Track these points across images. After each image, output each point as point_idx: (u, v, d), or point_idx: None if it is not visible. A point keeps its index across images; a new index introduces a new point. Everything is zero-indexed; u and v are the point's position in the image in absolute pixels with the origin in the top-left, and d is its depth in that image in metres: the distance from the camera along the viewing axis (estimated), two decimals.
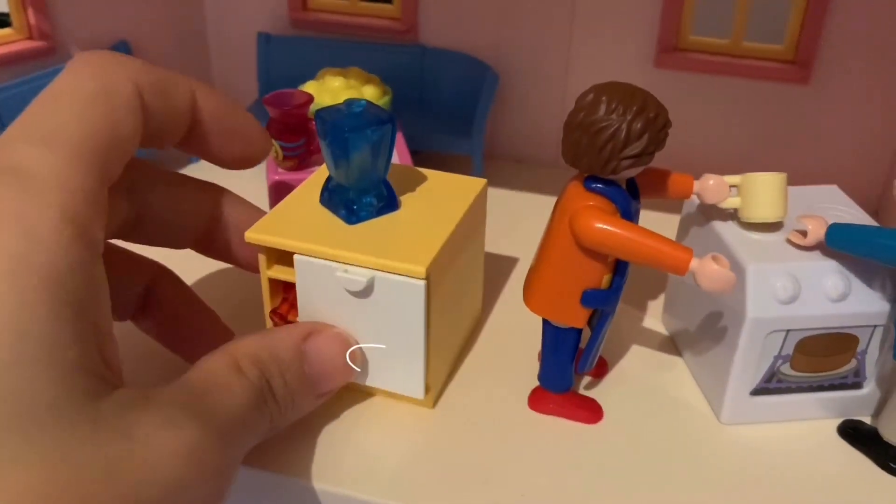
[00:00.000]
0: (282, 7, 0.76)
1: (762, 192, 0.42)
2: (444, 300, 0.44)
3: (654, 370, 0.49)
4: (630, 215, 0.39)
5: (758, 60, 0.66)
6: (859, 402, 0.45)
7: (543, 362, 0.44)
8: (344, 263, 0.41)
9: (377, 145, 0.41)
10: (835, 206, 0.47)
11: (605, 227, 0.38)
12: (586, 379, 0.48)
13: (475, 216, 0.48)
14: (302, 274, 0.42)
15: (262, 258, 0.43)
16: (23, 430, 0.25)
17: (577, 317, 0.41)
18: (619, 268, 0.40)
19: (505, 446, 0.43)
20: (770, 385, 0.45)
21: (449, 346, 0.47)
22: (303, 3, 0.75)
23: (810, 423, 0.45)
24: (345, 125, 0.40)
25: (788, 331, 0.42)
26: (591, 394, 0.47)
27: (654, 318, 0.54)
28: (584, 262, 0.39)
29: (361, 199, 0.44)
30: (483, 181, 0.49)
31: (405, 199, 0.46)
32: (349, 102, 0.43)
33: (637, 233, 0.38)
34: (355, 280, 0.40)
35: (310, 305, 0.43)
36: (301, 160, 0.56)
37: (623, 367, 0.49)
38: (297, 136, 0.55)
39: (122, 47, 0.70)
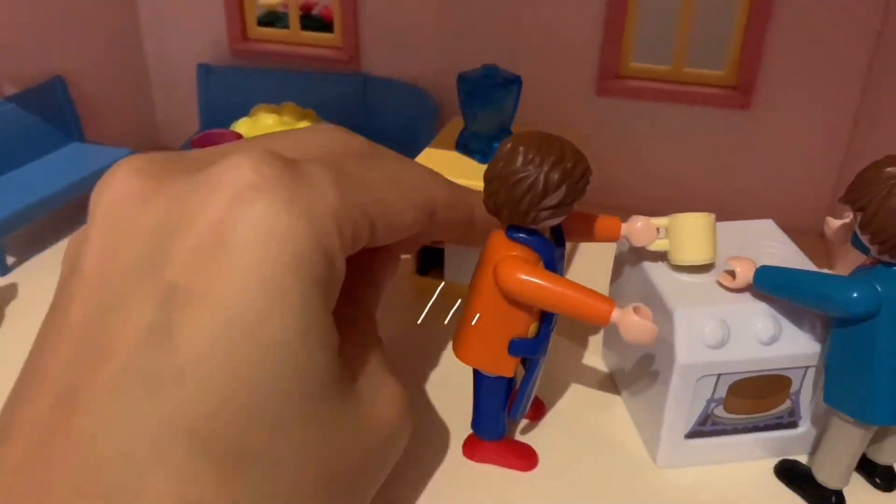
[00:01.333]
0: (222, 37, 0.74)
1: (689, 235, 0.42)
2: None
3: (593, 410, 0.48)
4: (553, 264, 0.39)
5: (699, 87, 0.66)
6: (796, 441, 0.45)
7: (475, 410, 0.43)
8: None
9: (504, 99, 0.53)
10: (769, 242, 0.47)
11: (527, 278, 0.37)
12: (524, 421, 0.47)
13: None
14: None
15: None
16: (303, 401, 0.30)
17: (505, 366, 0.40)
18: (546, 316, 0.40)
19: (439, 495, 0.42)
20: (705, 428, 0.44)
21: None
22: (243, 34, 0.74)
23: (748, 463, 0.45)
24: (485, 83, 0.53)
25: (720, 374, 0.42)
26: (528, 437, 0.46)
27: (595, 354, 0.53)
28: (510, 311, 0.39)
29: (492, 144, 0.55)
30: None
31: None
32: (485, 67, 0.54)
33: (559, 284, 0.37)
34: None
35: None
36: None
37: (561, 407, 0.49)
38: None
39: (58, 83, 0.69)
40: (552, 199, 0.36)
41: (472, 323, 0.40)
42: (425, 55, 0.70)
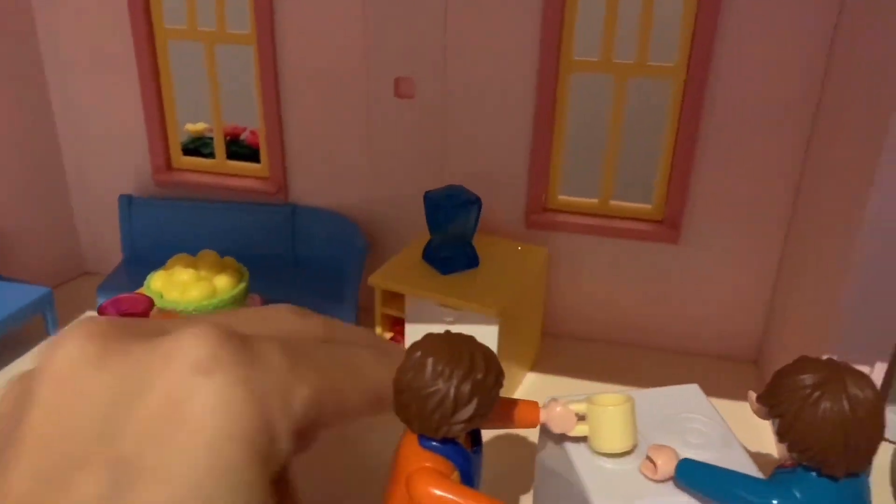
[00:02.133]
0: (145, 168, 0.73)
1: (608, 425, 0.41)
2: (512, 337, 0.59)
3: None
4: (470, 475, 0.37)
5: (628, 220, 0.66)
6: None
7: None
8: (442, 306, 0.58)
9: (465, 216, 0.59)
10: (694, 415, 0.46)
11: (441, 493, 0.35)
12: None
13: (537, 279, 0.64)
14: (411, 309, 0.59)
15: (378, 299, 0.61)
16: None
17: None
18: None
19: None
20: None
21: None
22: (167, 164, 0.72)
23: None
24: (447, 203, 0.59)
25: None
26: None
27: None
28: None
29: (452, 257, 0.60)
30: (544, 250, 0.64)
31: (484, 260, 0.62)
32: (448, 187, 0.61)
33: (473, 500, 0.35)
34: (449, 312, 0.57)
35: (413, 335, 0.52)
36: None
37: None
38: None
39: None
40: (464, 414, 0.35)
41: None
42: (353, 185, 0.69)
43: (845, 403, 0.34)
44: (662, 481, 0.41)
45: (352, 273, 0.67)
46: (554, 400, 0.42)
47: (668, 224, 0.65)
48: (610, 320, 0.70)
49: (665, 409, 0.46)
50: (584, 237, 0.67)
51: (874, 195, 0.49)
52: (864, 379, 0.35)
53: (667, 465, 0.40)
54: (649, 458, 0.41)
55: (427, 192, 0.60)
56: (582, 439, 0.43)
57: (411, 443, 0.37)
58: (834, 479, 0.36)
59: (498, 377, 0.36)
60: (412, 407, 0.35)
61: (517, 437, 0.55)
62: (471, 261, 0.61)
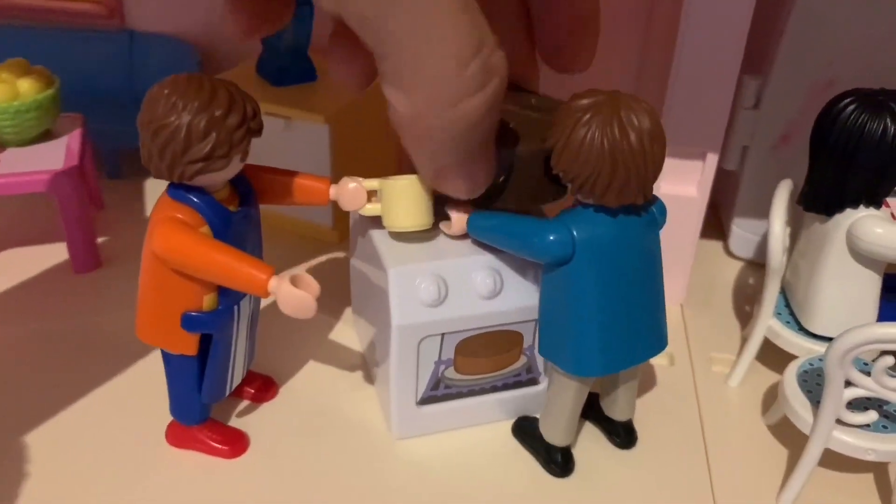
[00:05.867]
0: None
1: (400, 198, 0.38)
2: (352, 153, 0.56)
3: (340, 390, 0.45)
4: (225, 229, 0.34)
5: None
6: (538, 399, 0.43)
7: (168, 393, 0.39)
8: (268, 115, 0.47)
9: (298, 22, 0.56)
10: None
11: (173, 241, 0.33)
12: (244, 403, 0.43)
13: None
14: None
15: None
16: None
17: (183, 343, 0.36)
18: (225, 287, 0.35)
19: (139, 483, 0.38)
20: (438, 392, 0.41)
21: None
22: None
23: (491, 427, 0.42)
24: None
25: (443, 334, 0.39)
26: (244, 421, 0.42)
27: (349, 325, 0.50)
28: (175, 280, 0.34)
29: (286, 67, 0.57)
30: None
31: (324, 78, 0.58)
32: None
33: (210, 249, 0.33)
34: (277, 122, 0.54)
35: None
36: None
37: (298, 387, 0.45)
38: None
39: None
40: (197, 152, 0.32)
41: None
42: (191, 5, 0.65)
43: (615, 129, 0.32)
44: (459, 238, 0.39)
45: None
46: (347, 177, 0.39)
47: None
48: None
49: None
50: None
51: None
52: (644, 107, 0.33)
53: (461, 220, 0.38)
54: (446, 215, 0.39)
55: None
56: (387, 240, 0.40)
57: (164, 196, 0.34)
58: (611, 213, 0.34)
59: (246, 119, 0.33)
60: (147, 144, 0.32)
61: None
62: (306, 73, 0.57)
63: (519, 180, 0.36)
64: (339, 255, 0.57)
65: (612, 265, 0.35)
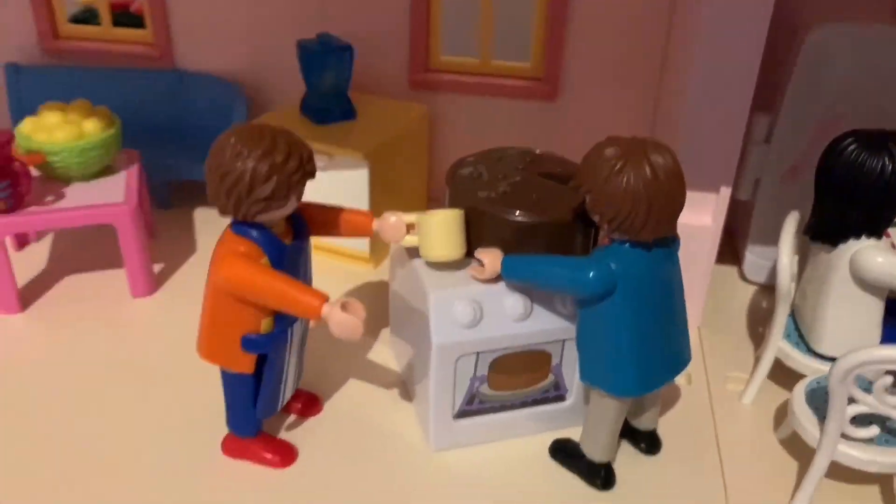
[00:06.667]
0: (32, 37, 0.72)
1: (436, 232, 0.42)
2: (387, 187, 0.60)
3: (379, 405, 0.48)
4: (282, 260, 0.38)
5: (507, 79, 0.67)
6: (566, 414, 0.46)
7: (226, 407, 0.43)
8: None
9: (338, 64, 0.60)
10: None
11: (237, 272, 0.37)
12: (291, 417, 0.47)
13: (416, 135, 0.64)
14: None
15: None
16: None
17: (241, 362, 0.40)
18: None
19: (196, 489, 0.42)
20: (472, 407, 0.45)
21: None
22: (53, 32, 0.72)
23: (525, 441, 0.46)
24: (318, 50, 0.59)
25: (478, 353, 0.43)
26: (295, 433, 0.46)
27: (386, 345, 0.53)
28: (236, 306, 0.38)
29: (329, 107, 0.61)
30: (422, 106, 0.65)
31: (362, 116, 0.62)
32: (320, 35, 0.61)
33: (268, 278, 0.37)
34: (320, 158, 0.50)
35: None
36: (10, 202, 0.53)
37: (341, 402, 0.48)
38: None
39: None
40: (261, 193, 0.36)
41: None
42: (237, 49, 0.69)
43: (647, 170, 0.36)
44: (491, 281, 0.43)
45: None
46: (389, 212, 0.43)
47: (546, 80, 0.66)
48: None
49: None
50: (465, 97, 0.67)
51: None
52: (665, 149, 0.37)
53: (493, 264, 0.42)
54: (477, 260, 0.43)
55: (300, 41, 0.60)
56: (426, 268, 0.44)
57: (228, 231, 0.38)
58: (644, 248, 0.37)
59: (302, 164, 0.37)
60: (215, 187, 0.36)
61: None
62: (346, 113, 0.61)
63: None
64: (376, 280, 0.61)
65: (646, 294, 0.39)
